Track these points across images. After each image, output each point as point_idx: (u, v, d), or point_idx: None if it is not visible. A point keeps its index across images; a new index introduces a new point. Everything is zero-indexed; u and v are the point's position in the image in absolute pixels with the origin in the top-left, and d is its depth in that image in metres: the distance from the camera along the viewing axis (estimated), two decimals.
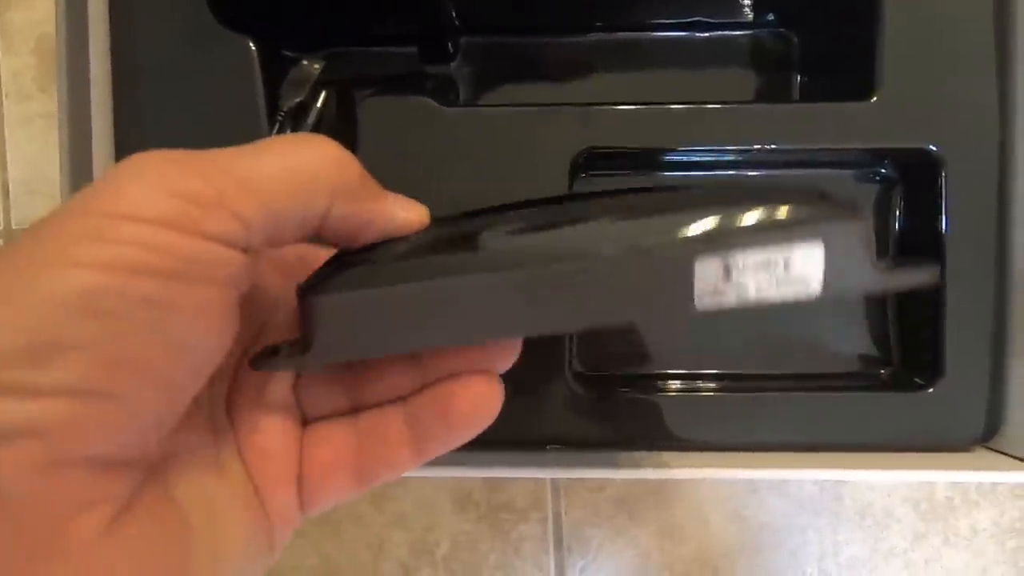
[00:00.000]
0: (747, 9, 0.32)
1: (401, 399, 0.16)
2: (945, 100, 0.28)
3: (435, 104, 0.28)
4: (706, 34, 0.33)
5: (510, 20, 0.33)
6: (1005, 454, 0.29)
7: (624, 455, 0.29)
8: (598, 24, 0.33)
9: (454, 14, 0.32)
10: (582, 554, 0.38)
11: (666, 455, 0.28)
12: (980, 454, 0.29)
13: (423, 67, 0.33)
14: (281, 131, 0.28)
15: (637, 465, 0.27)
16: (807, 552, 0.37)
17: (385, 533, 0.38)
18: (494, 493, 0.38)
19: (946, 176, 0.28)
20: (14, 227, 0.39)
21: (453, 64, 0.33)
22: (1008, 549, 0.37)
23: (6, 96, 0.39)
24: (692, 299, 0.14)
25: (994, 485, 0.37)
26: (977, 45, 0.27)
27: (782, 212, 0.14)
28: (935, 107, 0.28)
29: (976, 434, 0.29)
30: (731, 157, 0.30)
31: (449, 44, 0.33)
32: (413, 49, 0.33)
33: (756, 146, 0.28)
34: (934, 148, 0.28)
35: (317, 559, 0.38)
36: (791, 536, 0.37)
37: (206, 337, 0.12)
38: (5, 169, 0.39)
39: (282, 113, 0.28)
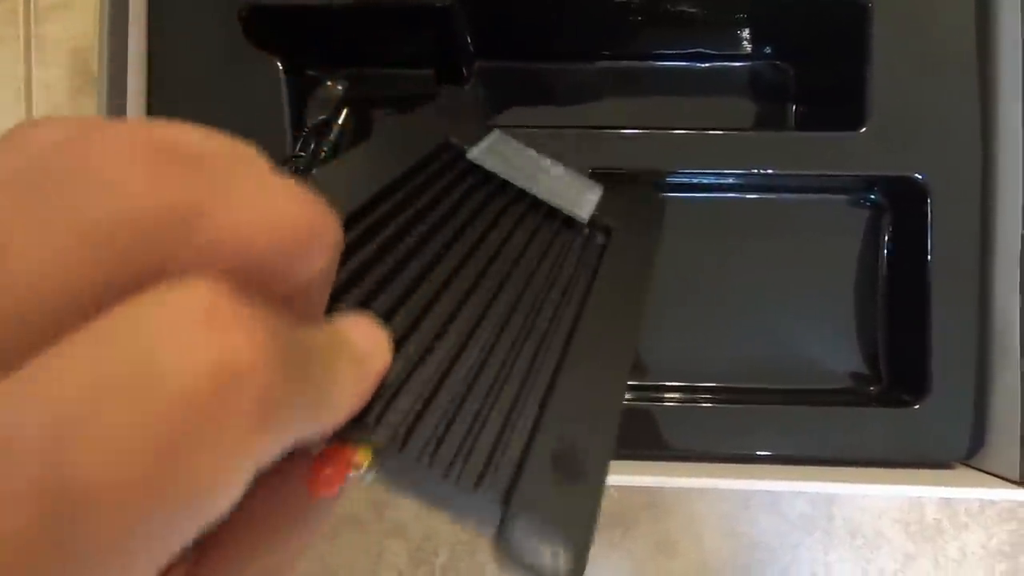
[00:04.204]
0: (746, 42, 0.34)
1: None
2: (931, 131, 0.29)
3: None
4: (707, 64, 0.35)
5: (522, 47, 0.35)
6: (987, 472, 0.29)
7: (619, 463, 0.30)
8: (605, 53, 0.35)
9: (469, 40, 0.34)
10: None
11: (660, 464, 0.29)
12: (963, 472, 0.30)
13: (438, 89, 0.35)
14: (305, 145, 0.30)
15: (631, 473, 0.28)
16: (798, 571, 0.38)
17: (384, 541, 0.39)
18: None
19: (932, 203, 0.29)
20: None
21: (467, 86, 0.35)
22: (997, 573, 0.38)
23: (36, 107, 0.41)
24: None
25: (982, 508, 0.38)
26: (961, 80, 0.29)
27: None
28: (922, 138, 0.29)
29: (960, 451, 0.30)
30: (729, 180, 0.32)
31: (463, 68, 0.35)
32: (429, 71, 0.35)
33: (753, 170, 0.30)
34: (920, 176, 0.29)
35: (315, 565, 0.39)
36: (783, 554, 0.38)
37: None
38: None
39: (306, 128, 0.30)
